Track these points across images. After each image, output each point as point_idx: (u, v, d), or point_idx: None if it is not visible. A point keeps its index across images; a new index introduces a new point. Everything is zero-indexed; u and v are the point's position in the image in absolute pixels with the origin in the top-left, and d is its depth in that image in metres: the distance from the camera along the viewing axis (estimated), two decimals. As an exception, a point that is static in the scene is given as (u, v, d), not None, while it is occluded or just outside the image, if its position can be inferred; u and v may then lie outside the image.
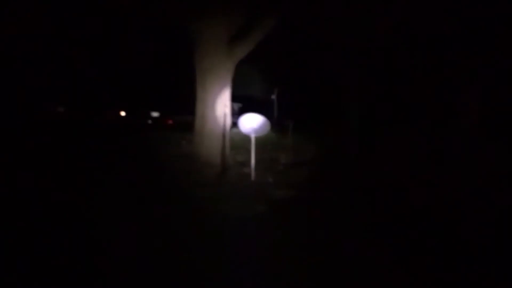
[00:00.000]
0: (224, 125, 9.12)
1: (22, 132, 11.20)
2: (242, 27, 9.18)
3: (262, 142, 9.12)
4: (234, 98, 9.49)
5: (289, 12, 10.04)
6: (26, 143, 9.85)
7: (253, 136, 8.42)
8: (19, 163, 8.26)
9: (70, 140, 10.47)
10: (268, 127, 8.57)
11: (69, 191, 6.72)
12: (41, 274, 3.88)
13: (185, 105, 16.15)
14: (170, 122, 16.24)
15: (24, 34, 11.96)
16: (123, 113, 18.55)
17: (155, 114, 16.59)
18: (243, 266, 4.17)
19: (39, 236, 4.81)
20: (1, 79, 11.46)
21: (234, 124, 9.22)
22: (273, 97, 19.73)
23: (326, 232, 5.23)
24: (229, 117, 9.23)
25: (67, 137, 11.06)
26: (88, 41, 16.70)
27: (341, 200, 6.80)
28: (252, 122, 8.46)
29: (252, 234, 5.14)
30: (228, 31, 9.03)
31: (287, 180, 8.22)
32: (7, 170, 7.74)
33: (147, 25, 13.84)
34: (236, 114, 9.42)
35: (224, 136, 9.08)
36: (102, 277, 3.89)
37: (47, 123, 14.71)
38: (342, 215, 5.99)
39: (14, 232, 4.88)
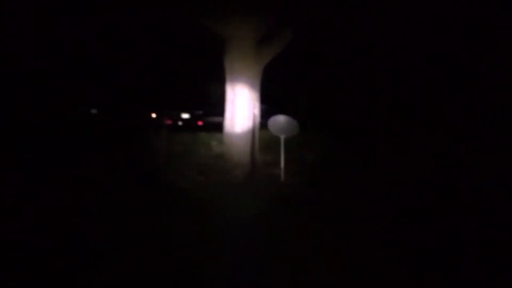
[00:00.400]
0: (253, 126, 9.25)
1: (58, 134, 11.62)
2: (271, 30, 9.30)
3: (291, 142, 9.20)
4: (262, 99, 9.63)
5: (318, 15, 10.09)
6: (62, 144, 10.23)
7: (282, 137, 8.53)
8: (61, 164, 8.63)
9: (104, 142, 10.78)
10: (297, 128, 8.66)
11: (112, 188, 7.02)
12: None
13: (214, 107, 16.41)
14: (200, 123, 16.62)
15: (59, 35, 12.40)
16: (154, 115, 18.98)
17: (185, 115, 16.94)
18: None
19: (84, 234, 5.06)
20: (35, 81, 11.77)
21: (262, 125, 9.36)
22: (300, 97, 19.76)
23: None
24: (258, 118, 9.37)
25: (100, 138, 11.38)
26: (117, 43, 17.19)
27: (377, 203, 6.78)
28: (281, 123, 8.59)
29: (276, 234, 5.22)
30: (258, 34, 9.17)
31: (317, 181, 8.28)
32: (46, 170, 8.10)
33: (176, 27, 14.05)
34: (264, 114, 9.52)
35: (253, 137, 9.22)
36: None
37: (82, 124, 15.24)
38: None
39: (52, 229, 5.15)
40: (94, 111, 17.72)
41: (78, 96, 17.38)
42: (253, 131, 9.25)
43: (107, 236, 4.94)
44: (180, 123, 16.63)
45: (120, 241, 4.82)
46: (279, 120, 8.72)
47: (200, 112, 17.31)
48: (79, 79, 17.10)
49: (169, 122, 10.37)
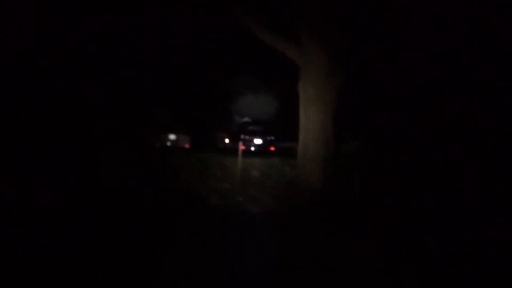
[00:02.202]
0: (327, 152, 9.17)
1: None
2: (344, 57, 9.29)
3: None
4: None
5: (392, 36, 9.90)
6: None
7: (357, 166, 8.40)
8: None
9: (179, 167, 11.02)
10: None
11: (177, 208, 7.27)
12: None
13: (285, 132, 16.51)
14: (272, 148, 16.82)
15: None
16: (227, 140, 19.49)
17: (258, 141, 17.24)
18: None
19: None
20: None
21: None
22: None
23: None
24: (332, 145, 9.28)
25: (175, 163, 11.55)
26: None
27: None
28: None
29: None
30: (334, 59, 9.18)
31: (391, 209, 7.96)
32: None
33: (251, 52, 14.37)
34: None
35: (327, 162, 9.13)
36: None
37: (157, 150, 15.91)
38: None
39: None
40: (172, 137, 18.26)
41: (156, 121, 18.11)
42: (327, 157, 9.17)
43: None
44: (252, 148, 16.91)
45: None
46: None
47: (272, 137, 17.50)
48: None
49: (242, 147, 10.56)
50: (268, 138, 17.45)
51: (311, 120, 9.29)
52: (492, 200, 7.25)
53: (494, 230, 5.95)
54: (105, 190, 7.67)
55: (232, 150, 14.89)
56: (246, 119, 19.54)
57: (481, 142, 10.60)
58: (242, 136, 16.80)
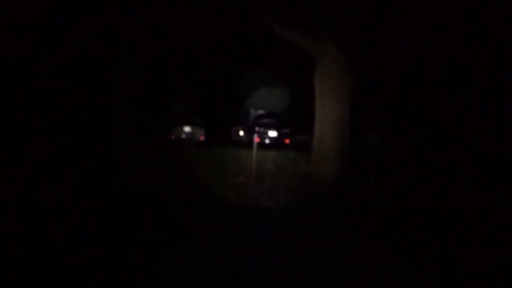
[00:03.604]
0: (343, 145, 9.08)
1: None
2: (363, 46, 9.16)
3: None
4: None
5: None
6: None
7: (372, 160, 8.29)
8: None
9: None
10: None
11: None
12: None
13: (300, 125, 16.38)
14: (287, 141, 16.70)
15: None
16: (241, 133, 19.45)
17: (273, 134, 17.14)
18: None
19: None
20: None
21: None
22: None
23: None
24: (347, 138, 9.18)
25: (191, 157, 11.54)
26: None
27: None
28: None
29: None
30: (348, 54, 9.06)
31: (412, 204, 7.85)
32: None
33: (268, 45, 14.23)
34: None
35: (343, 156, 9.05)
36: None
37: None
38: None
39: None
40: (187, 129, 18.29)
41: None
42: (342, 150, 9.08)
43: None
44: (267, 141, 16.83)
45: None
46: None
47: (287, 130, 17.38)
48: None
49: (257, 140, 10.51)
50: (283, 131, 17.33)
51: (327, 113, 9.20)
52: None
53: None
54: (123, 185, 7.70)
55: (246, 143, 14.87)
56: (261, 111, 19.43)
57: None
58: (256, 129, 16.70)
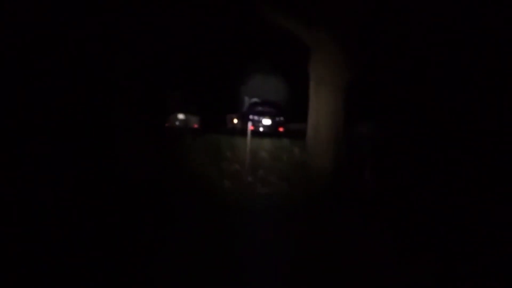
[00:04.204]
0: (338, 134, 9.12)
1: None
2: (360, 35, 9.14)
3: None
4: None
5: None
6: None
7: (369, 145, 8.34)
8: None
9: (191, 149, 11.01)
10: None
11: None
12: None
13: (294, 113, 16.40)
14: (281, 130, 16.72)
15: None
16: (235, 121, 19.46)
17: (267, 122, 17.14)
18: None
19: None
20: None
21: None
22: None
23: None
24: (343, 127, 9.21)
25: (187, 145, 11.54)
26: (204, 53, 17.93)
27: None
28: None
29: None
30: (346, 41, 9.04)
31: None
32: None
33: (262, 32, 14.15)
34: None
35: (337, 144, 9.09)
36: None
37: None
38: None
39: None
40: (181, 117, 18.25)
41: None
42: (337, 139, 9.13)
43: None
44: (261, 129, 16.83)
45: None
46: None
47: (282, 118, 17.38)
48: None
49: (251, 128, 10.51)
50: (277, 119, 17.32)
51: (322, 101, 9.21)
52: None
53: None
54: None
55: (240, 131, 14.86)
56: (255, 99, 19.39)
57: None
58: (251, 117, 16.68)
